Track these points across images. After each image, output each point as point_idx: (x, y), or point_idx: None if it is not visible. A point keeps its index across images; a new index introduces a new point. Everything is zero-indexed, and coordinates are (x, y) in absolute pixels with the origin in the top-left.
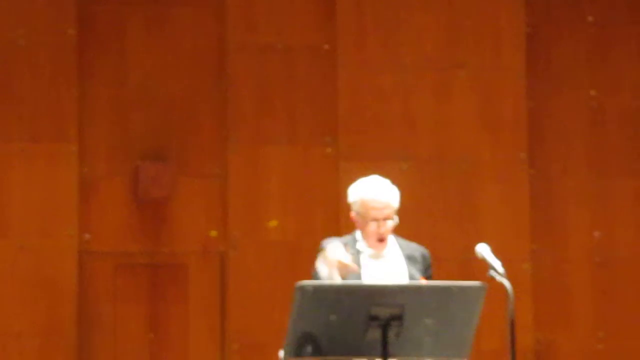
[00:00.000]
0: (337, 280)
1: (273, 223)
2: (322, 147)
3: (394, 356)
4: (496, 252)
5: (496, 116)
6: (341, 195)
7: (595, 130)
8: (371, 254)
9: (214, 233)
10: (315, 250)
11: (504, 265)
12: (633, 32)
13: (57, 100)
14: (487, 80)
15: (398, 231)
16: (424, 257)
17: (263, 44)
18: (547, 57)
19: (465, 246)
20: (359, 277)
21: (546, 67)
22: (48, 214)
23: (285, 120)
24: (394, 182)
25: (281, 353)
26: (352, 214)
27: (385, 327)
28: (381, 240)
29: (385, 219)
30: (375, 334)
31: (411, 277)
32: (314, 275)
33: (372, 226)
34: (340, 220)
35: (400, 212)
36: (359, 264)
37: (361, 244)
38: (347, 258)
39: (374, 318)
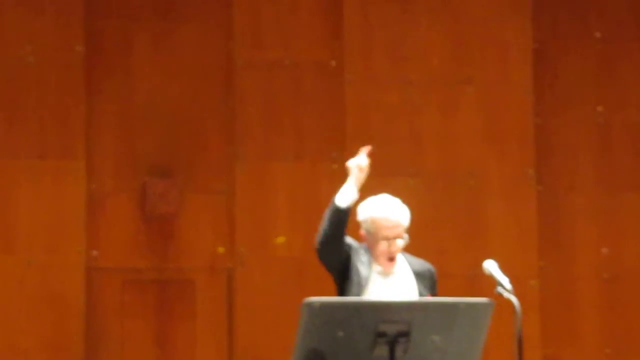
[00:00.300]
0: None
1: (280, 239)
2: (329, 163)
3: None
4: (504, 269)
5: (503, 132)
6: None
7: (602, 146)
8: (380, 271)
9: (221, 249)
10: (321, 266)
11: (511, 281)
12: None
13: (65, 116)
14: (494, 96)
15: (405, 247)
16: (431, 274)
17: (270, 61)
18: (554, 73)
19: (472, 262)
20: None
21: (553, 83)
22: (55, 231)
23: (292, 136)
24: (400, 198)
25: None
26: (362, 232)
27: (392, 343)
28: (391, 259)
29: (396, 237)
30: (382, 350)
31: (420, 294)
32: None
33: (382, 245)
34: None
35: (408, 228)
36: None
37: (370, 259)
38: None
39: (381, 334)
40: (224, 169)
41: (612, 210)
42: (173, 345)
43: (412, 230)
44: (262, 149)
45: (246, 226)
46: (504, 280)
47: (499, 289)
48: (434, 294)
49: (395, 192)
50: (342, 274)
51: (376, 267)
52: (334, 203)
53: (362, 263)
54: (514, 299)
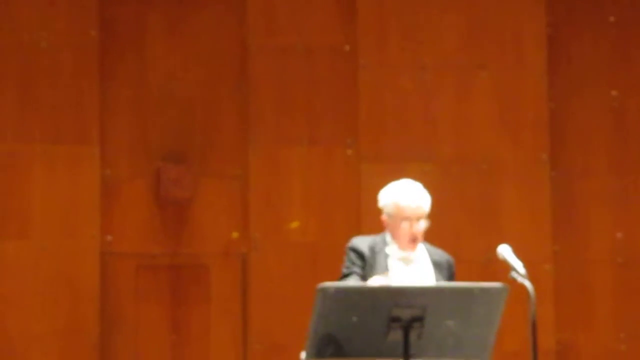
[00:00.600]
0: None
1: (294, 224)
2: (343, 148)
3: (415, 357)
4: (518, 253)
5: (517, 117)
6: (362, 196)
7: (616, 130)
8: (400, 257)
9: (235, 234)
10: (336, 250)
11: (525, 266)
12: None
13: (79, 102)
14: (508, 81)
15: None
16: (449, 265)
17: (284, 45)
18: (568, 57)
19: (486, 247)
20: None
21: (567, 68)
22: (70, 216)
23: (306, 121)
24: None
25: (303, 354)
26: (383, 217)
27: (406, 328)
28: (414, 240)
29: (418, 218)
30: (396, 335)
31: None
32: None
33: (404, 226)
34: (361, 221)
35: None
36: (386, 268)
37: (390, 248)
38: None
39: (395, 319)
40: (238, 154)
41: (627, 194)
42: (187, 330)
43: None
44: (276, 133)
45: (260, 211)
46: (518, 265)
47: (513, 273)
48: None
49: (409, 177)
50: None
51: (397, 254)
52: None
53: (380, 259)
54: (528, 284)
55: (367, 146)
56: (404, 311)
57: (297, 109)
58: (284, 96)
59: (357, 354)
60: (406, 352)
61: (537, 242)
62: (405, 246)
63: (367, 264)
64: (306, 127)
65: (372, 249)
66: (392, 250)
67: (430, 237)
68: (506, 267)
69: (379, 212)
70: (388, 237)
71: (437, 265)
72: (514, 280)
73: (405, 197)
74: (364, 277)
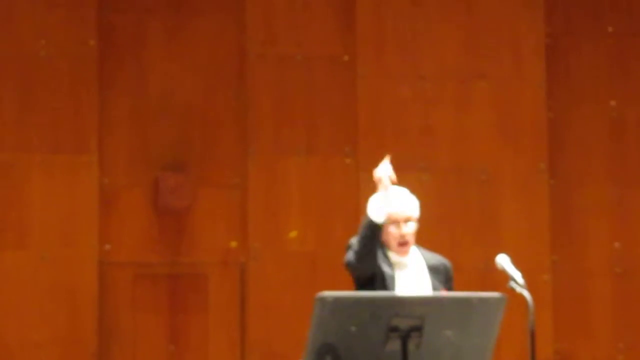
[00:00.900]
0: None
1: (293, 234)
2: (341, 157)
3: None
4: (516, 263)
5: (516, 127)
6: (361, 205)
7: (615, 140)
8: (395, 262)
9: (233, 244)
10: (335, 260)
11: (524, 276)
12: None
13: (78, 110)
14: (507, 91)
15: (418, 241)
16: (446, 269)
17: (283, 55)
18: (567, 67)
19: (485, 257)
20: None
21: (566, 78)
22: (68, 225)
23: (304, 130)
24: (413, 192)
25: None
26: None
27: (405, 338)
28: (403, 243)
29: (405, 221)
30: (395, 345)
31: (434, 288)
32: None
33: (392, 230)
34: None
35: (420, 222)
36: (392, 274)
37: (389, 254)
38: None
39: (394, 329)
40: (236, 163)
41: (625, 204)
42: (185, 339)
43: (424, 224)
44: (274, 143)
45: (259, 220)
46: (517, 275)
47: (512, 283)
48: (448, 289)
49: (407, 187)
50: (369, 279)
51: (391, 259)
52: (368, 218)
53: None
54: (526, 294)
55: (365, 155)
56: (402, 321)
57: (296, 118)
58: (283, 106)
59: None
60: None
61: (535, 252)
62: (396, 250)
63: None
64: (305, 136)
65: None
66: (385, 254)
67: (429, 246)
68: (505, 276)
69: None
70: (382, 244)
71: (433, 269)
72: (513, 290)
73: (392, 201)
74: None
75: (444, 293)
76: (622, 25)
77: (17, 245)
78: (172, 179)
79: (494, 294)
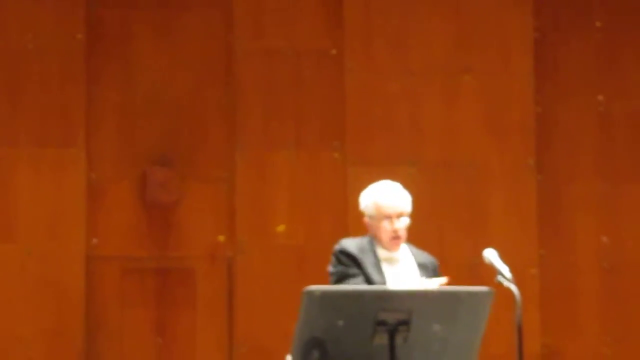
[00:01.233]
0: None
1: (281, 228)
2: (329, 151)
3: None
4: (504, 258)
5: (504, 121)
6: (349, 199)
7: (603, 135)
8: (386, 257)
9: (221, 238)
10: (323, 254)
11: (511, 270)
12: None
13: (65, 105)
14: (495, 86)
15: (407, 236)
16: (434, 267)
17: (271, 49)
18: (555, 62)
19: (472, 251)
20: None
21: (554, 73)
22: (55, 219)
23: (292, 125)
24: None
25: (288, 358)
26: (365, 219)
27: (392, 332)
28: (396, 237)
29: (398, 216)
30: (382, 339)
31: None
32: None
33: (385, 224)
34: (347, 225)
35: (409, 217)
36: (380, 270)
37: (379, 250)
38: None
39: (381, 323)
40: (224, 157)
41: (613, 199)
42: (173, 333)
43: (413, 218)
44: (262, 137)
45: (247, 215)
46: (504, 269)
47: (499, 277)
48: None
49: (396, 181)
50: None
51: (382, 255)
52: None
53: (368, 259)
54: (514, 288)
55: (353, 150)
56: (390, 315)
57: (284, 112)
58: (271, 100)
59: (343, 357)
60: (392, 356)
61: (523, 246)
62: (388, 245)
63: (358, 264)
64: (293, 130)
65: (361, 250)
66: (378, 251)
67: (417, 240)
68: (492, 271)
69: (363, 215)
70: (372, 239)
71: (422, 266)
72: (500, 285)
73: (384, 196)
74: (365, 277)
75: (432, 286)
76: (610, 20)
77: (4, 239)
78: (160, 173)
79: (482, 288)
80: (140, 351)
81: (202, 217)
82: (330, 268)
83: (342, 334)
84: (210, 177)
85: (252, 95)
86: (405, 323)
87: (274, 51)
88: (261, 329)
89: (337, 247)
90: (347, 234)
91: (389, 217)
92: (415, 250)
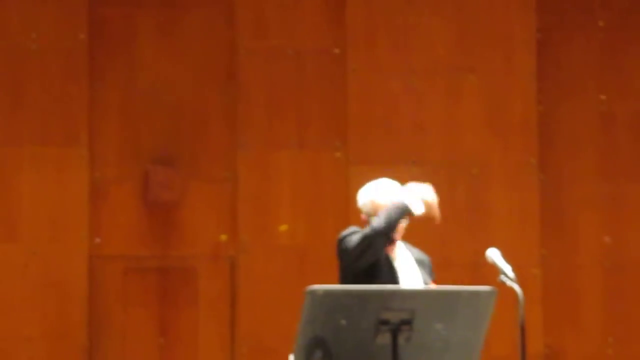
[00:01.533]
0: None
1: (283, 227)
2: (331, 151)
3: None
4: (506, 257)
5: (506, 120)
6: (351, 199)
7: (605, 134)
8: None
9: (224, 237)
10: (325, 253)
11: (514, 270)
12: None
13: (68, 104)
14: (498, 85)
15: (408, 235)
16: (429, 262)
17: (273, 49)
18: (558, 61)
19: (475, 251)
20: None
21: (556, 72)
22: (58, 218)
23: (295, 124)
24: (396, 181)
25: (291, 357)
26: (363, 217)
27: (395, 331)
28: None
29: None
30: (385, 338)
31: (424, 281)
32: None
33: None
34: (350, 224)
35: (410, 216)
36: (392, 267)
37: None
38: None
39: (384, 322)
40: (226, 157)
41: (615, 199)
42: (175, 332)
43: (414, 218)
44: (265, 137)
45: (249, 214)
46: (507, 269)
47: (502, 277)
48: (435, 281)
49: (398, 180)
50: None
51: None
52: (404, 205)
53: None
54: (516, 287)
55: (355, 149)
56: (392, 314)
57: (286, 111)
58: (273, 99)
59: (346, 357)
60: (395, 356)
61: (525, 246)
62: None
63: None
64: (295, 130)
65: None
66: None
67: (419, 240)
68: (495, 270)
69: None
70: None
71: (419, 262)
72: (503, 284)
73: (382, 195)
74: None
75: (434, 287)
76: (612, 19)
77: (6, 239)
78: (162, 172)
79: (484, 288)
80: (143, 350)
81: (205, 216)
82: (346, 241)
83: (345, 333)
84: (213, 176)
85: (255, 94)
86: (408, 322)
87: (276, 50)
88: (263, 329)
89: (345, 232)
90: None
91: None
92: (410, 246)
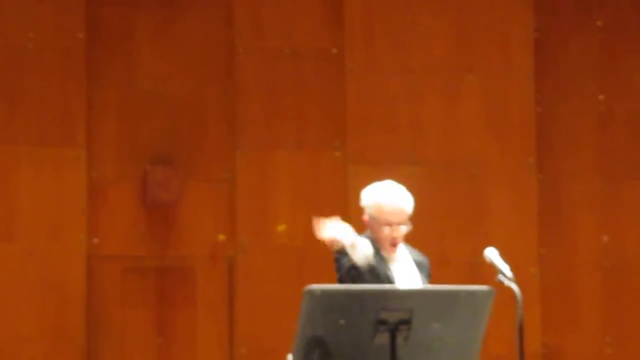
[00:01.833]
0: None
1: (281, 227)
2: (330, 151)
3: None
4: (504, 256)
5: (504, 121)
6: (350, 199)
7: (603, 134)
8: (386, 256)
9: (222, 237)
10: (323, 253)
11: (512, 269)
12: None
13: (66, 104)
14: (496, 85)
15: (407, 234)
16: (427, 265)
17: (271, 48)
18: (556, 61)
19: (473, 250)
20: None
21: (554, 72)
22: (56, 218)
23: (293, 124)
24: (402, 186)
25: (289, 357)
26: (365, 217)
27: (393, 331)
28: (394, 245)
29: (399, 223)
30: (383, 338)
31: (422, 283)
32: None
33: (385, 230)
34: (349, 224)
35: (411, 216)
36: (386, 268)
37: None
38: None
39: (382, 322)
40: (225, 157)
41: (613, 198)
42: (173, 332)
43: (413, 218)
44: (263, 137)
45: (247, 214)
46: (505, 268)
47: (500, 276)
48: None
49: (396, 180)
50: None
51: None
52: (350, 265)
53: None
54: (514, 287)
55: (354, 149)
56: (391, 314)
57: (285, 111)
58: (272, 99)
59: (344, 356)
60: (393, 356)
61: (523, 246)
62: (385, 249)
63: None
64: (294, 129)
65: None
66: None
67: (417, 240)
68: (493, 270)
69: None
70: (370, 239)
71: (418, 264)
72: (501, 284)
73: (389, 201)
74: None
75: (432, 286)
76: (610, 19)
77: (4, 239)
78: (161, 172)
79: (483, 287)
80: (141, 350)
81: (203, 216)
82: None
83: (344, 333)
84: (211, 176)
85: (253, 94)
86: (406, 322)
87: (274, 50)
88: (262, 329)
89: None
90: None
91: (389, 224)
92: (409, 248)
